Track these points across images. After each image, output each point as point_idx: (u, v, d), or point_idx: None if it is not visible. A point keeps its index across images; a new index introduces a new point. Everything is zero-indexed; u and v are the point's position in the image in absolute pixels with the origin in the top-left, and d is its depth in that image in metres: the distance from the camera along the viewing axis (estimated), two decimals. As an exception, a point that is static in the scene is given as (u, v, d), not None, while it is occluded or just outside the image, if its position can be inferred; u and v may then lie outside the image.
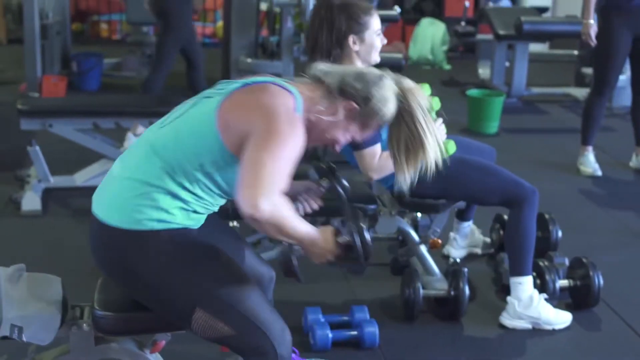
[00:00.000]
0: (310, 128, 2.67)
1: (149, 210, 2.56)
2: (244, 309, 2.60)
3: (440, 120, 3.68)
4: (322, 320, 3.85)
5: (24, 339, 2.61)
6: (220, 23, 11.03)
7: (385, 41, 3.85)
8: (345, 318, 3.93)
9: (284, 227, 2.47)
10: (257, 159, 2.43)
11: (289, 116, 2.54)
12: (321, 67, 2.78)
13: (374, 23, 3.76)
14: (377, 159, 3.73)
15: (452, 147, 3.72)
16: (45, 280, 2.79)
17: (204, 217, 2.72)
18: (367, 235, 2.57)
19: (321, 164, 3.03)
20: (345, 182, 3.00)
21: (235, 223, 4.32)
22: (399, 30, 11.25)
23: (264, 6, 9.03)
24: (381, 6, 10.18)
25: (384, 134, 3.72)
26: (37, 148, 5.27)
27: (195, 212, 2.64)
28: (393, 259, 4.52)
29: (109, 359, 2.87)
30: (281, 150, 2.46)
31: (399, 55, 7.55)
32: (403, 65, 7.33)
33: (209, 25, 11.56)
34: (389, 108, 2.72)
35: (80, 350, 2.76)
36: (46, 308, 2.68)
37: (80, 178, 5.47)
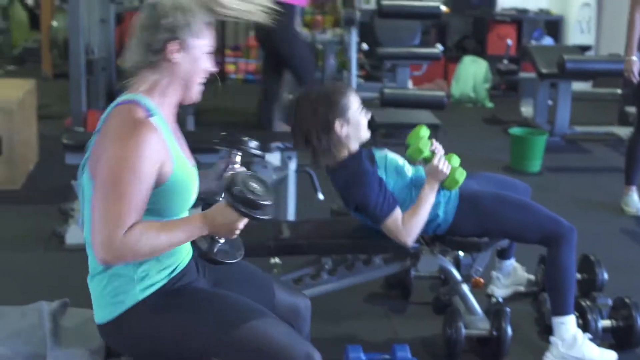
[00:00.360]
0: (184, 92, 2.75)
1: (121, 289, 2.62)
2: (257, 343, 2.59)
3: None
4: (364, 358, 3.83)
5: None
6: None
7: (369, 115, 3.87)
8: (387, 357, 3.90)
9: (155, 249, 2.51)
10: (100, 203, 2.48)
11: (129, 132, 2.53)
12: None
13: (354, 101, 3.79)
14: (402, 224, 3.75)
15: (461, 175, 3.76)
16: (88, 316, 2.80)
17: (176, 253, 2.73)
18: (250, 195, 2.53)
19: (224, 135, 3.04)
20: (254, 145, 3.01)
21: (276, 260, 4.34)
22: (441, 68, 11.25)
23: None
24: (423, 44, 10.22)
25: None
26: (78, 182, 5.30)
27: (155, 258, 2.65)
28: (435, 298, 4.50)
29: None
30: (124, 179, 2.47)
31: (441, 93, 7.54)
32: (445, 103, 7.33)
33: (252, 61, 11.63)
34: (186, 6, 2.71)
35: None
36: (88, 347, 2.70)
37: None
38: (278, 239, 3.91)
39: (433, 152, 3.86)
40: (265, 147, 5.29)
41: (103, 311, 2.63)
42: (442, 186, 3.83)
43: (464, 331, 3.98)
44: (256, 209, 2.52)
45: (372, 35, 9.78)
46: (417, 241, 3.97)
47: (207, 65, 2.76)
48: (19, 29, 12.75)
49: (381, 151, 3.99)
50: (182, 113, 8.39)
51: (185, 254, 2.75)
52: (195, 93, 2.77)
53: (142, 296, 2.60)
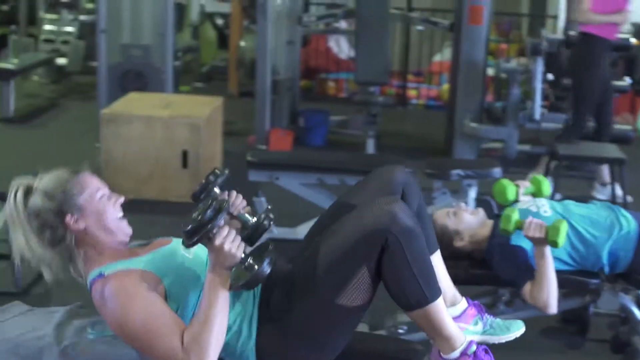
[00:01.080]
0: (113, 234, 2.69)
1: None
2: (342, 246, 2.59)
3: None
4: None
5: None
6: (445, 86, 11.07)
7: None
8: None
9: (213, 332, 2.48)
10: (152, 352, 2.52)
11: (116, 295, 2.54)
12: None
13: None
14: (533, 293, 3.70)
15: (556, 232, 3.56)
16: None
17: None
18: (263, 267, 2.49)
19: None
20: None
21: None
22: (628, 101, 10.96)
23: (490, 71, 9.03)
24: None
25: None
26: (263, 199, 5.41)
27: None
28: (614, 336, 4.38)
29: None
30: (143, 322, 2.50)
31: (628, 127, 7.36)
32: (632, 137, 7.15)
33: (434, 87, 11.62)
34: (58, 185, 2.66)
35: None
36: None
37: (302, 231, 5.57)
38: (455, 267, 3.88)
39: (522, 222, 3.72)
40: (445, 174, 5.29)
41: None
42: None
43: (642, 373, 3.87)
44: (204, 228, 2.48)
45: (557, 65, 9.62)
46: (599, 277, 3.87)
47: (106, 204, 2.70)
48: (208, 47, 13.14)
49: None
50: (363, 135, 8.55)
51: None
52: (122, 227, 2.72)
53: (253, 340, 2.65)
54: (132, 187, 6.53)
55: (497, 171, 5.29)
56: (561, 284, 3.90)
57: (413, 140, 9.37)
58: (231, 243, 2.49)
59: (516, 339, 4.45)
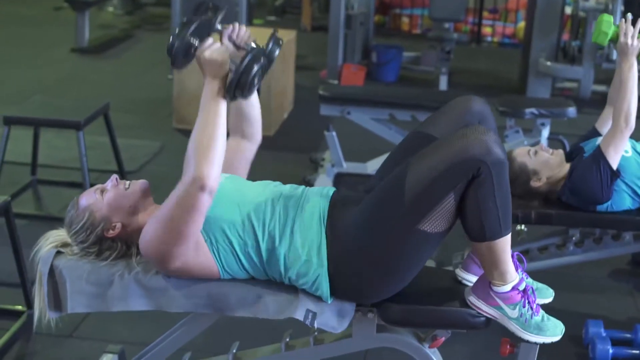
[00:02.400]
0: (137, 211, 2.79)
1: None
2: (436, 169, 2.57)
3: None
4: (604, 334, 3.75)
5: (316, 325, 2.67)
6: (521, 24, 10.92)
7: None
8: (628, 335, 3.80)
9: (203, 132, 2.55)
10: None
11: None
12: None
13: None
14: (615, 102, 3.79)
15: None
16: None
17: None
18: (250, 70, 2.53)
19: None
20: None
21: (522, 227, 4.31)
22: None
23: (568, 9, 8.87)
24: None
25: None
26: (334, 133, 5.41)
27: None
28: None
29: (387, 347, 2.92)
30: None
31: None
32: None
33: (509, 25, 11.45)
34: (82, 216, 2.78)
35: (361, 336, 2.81)
36: None
37: (372, 166, 5.57)
38: (527, 207, 3.85)
39: (618, 32, 3.78)
40: (518, 112, 5.24)
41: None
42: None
43: None
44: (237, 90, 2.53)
45: (637, 4, 9.41)
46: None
47: (111, 195, 2.79)
48: (283, -19, 13.10)
49: None
50: (436, 72, 8.49)
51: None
52: (136, 192, 2.81)
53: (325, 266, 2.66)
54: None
55: (571, 111, 5.23)
56: (632, 225, 3.85)
57: (486, 77, 9.27)
58: (211, 50, 2.58)
59: (585, 280, 4.45)
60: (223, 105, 2.57)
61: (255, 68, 2.52)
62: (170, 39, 2.61)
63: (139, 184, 2.82)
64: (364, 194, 2.80)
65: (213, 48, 2.58)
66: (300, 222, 2.67)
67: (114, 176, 2.85)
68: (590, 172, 3.66)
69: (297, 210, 2.70)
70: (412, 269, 2.67)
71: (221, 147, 2.54)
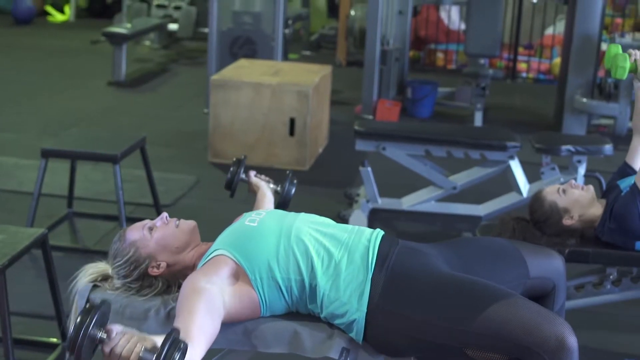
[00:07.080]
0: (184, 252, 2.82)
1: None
2: (502, 329, 2.51)
3: None
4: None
5: None
6: (556, 60, 10.88)
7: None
8: (666, 376, 3.77)
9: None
10: None
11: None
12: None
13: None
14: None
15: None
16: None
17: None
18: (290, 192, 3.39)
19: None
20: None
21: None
22: None
23: (604, 45, 8.84)
24: None
25: None
26: (369, 169, 5.41)
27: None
28: None
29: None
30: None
31: None
32: None
33: (545, 61, 11.43)
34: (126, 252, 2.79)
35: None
36: None
37: (407, 202, 5.56)
38: (563, 245, 3.82)
39: (635, 62, 3.73)
40: (555, 149, 5.22)
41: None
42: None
43: None
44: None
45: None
46: None
47: (158, 233, 2.81)
48: (318, 16, 13.18)
49: None
50: (471, 108, 8.47)
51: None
52: (184, 232, 2.84)
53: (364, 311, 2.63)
54: (238, 153, 6.55)
55: (608, 148, 5.21)
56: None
57: (521, 114, 9.25)
58: (120, 347, 2.28)
59: (622, 319, 4.41)
60: None
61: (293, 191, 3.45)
62: (70, 332, 2.26)
63: (188, 225, 2.85)
64: (417, 247, 2.82)
65: (120, 344, 2.29)
66: (347, 264, 2.66)
67: (164, 214, 2.87)
68: (630, 208, 3.63)
69: (344, 251, 2.70)
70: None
71: None
